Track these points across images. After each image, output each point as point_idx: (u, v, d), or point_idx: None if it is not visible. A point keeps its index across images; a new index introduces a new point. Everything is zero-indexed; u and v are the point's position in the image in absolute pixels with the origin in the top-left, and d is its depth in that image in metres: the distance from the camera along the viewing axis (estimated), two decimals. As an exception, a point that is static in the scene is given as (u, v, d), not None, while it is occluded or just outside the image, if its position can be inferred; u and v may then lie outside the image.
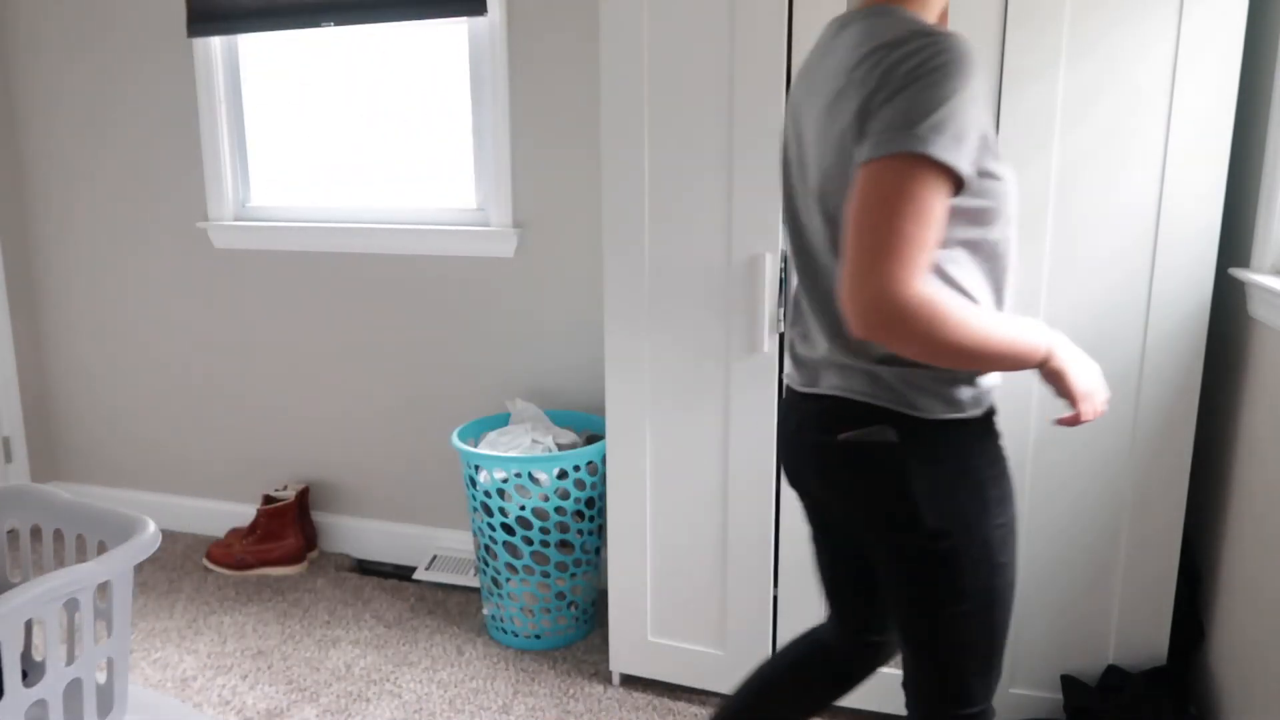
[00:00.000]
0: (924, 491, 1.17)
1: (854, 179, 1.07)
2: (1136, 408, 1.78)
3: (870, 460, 1.20)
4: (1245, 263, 1.74)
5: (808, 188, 1.23)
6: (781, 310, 1.92)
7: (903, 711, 2.03)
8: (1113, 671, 1.85)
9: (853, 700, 2.04)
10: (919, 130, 1.02)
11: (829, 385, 1.23)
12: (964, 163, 1.04)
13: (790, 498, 1.99)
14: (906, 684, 1.34)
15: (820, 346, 1.25)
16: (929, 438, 1.18)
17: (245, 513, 3.04)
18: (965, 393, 1.18)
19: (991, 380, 1.21)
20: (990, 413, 1.22)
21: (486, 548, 2.35)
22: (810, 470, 1.30)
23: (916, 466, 1.17)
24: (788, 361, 1.35)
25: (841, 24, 1.21)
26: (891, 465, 1.18)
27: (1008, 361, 1.11)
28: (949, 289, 1.13)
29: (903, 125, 1.03)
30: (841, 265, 1.07)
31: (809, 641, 1.53)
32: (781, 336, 1.93)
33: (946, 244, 1.13)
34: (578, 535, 2.33)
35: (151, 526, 1.31)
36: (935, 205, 1.03)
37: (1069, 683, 1.87)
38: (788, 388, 1.36)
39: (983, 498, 1.20)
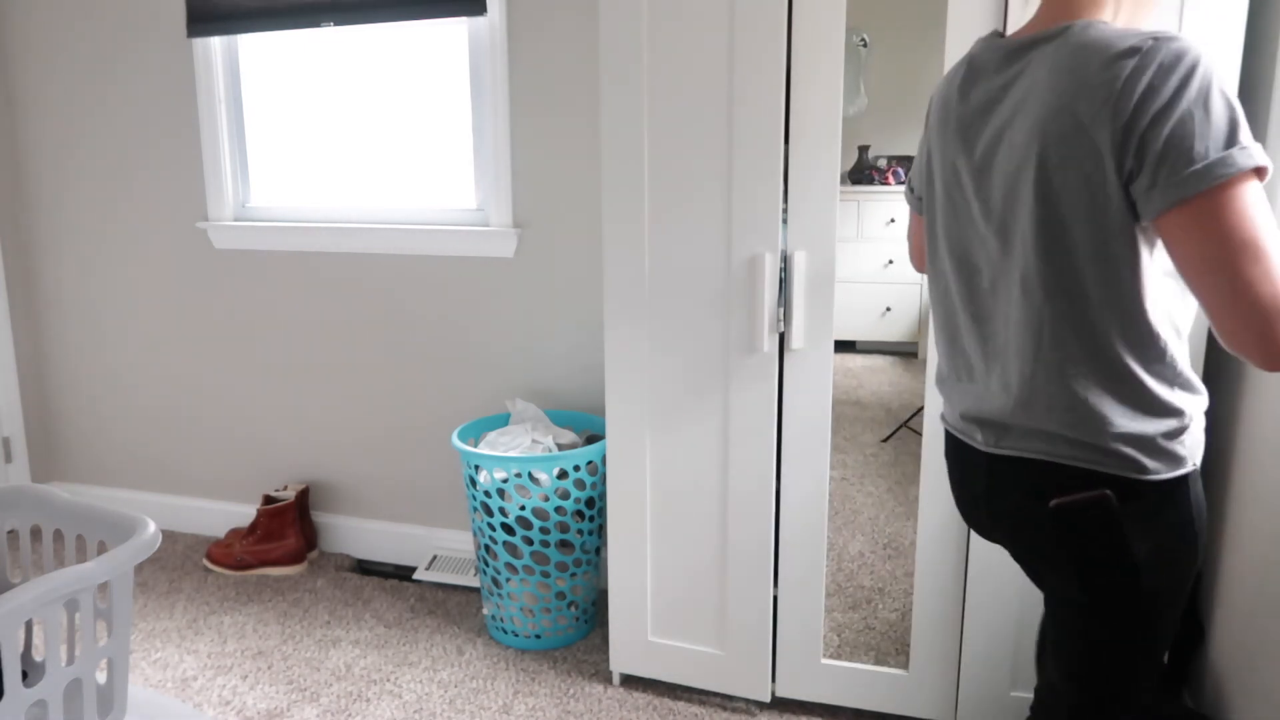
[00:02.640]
0: (1145, 551, 1.12)
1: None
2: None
3: (1087, 524, 1.13)
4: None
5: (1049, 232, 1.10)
6: (781, 310, 1.92)
7: (899, 711, 2.04)
8: None
9: (852, 700, 2.04)
10: None
11: (1032, 449, 1.16)
12: None
13: (790, 496, 1.99)
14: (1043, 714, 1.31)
15: (1016, 404, 1.17)
16: (1152, 498, 1.11)
17: (245, 513, 3.04)
18: (1188, 443, 1.11)
19: (1202, 424, 1.15)
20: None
21: (486, 548, 2.35)
22: (1006, 533, 1.24)
23: (1138, 527, 1.11)
24: (959, 410, 1.28)
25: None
26: (1112, 528, 1.12)
27: None
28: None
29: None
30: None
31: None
32: (781, 337, 1.93)
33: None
34: (578, 535, 2.33)
35: (151, 526, 1.31)
36: None
37: None
38: (958, 442, 1.29)
39: (1195, 549, 1.15)
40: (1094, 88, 1.02)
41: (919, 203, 1.42)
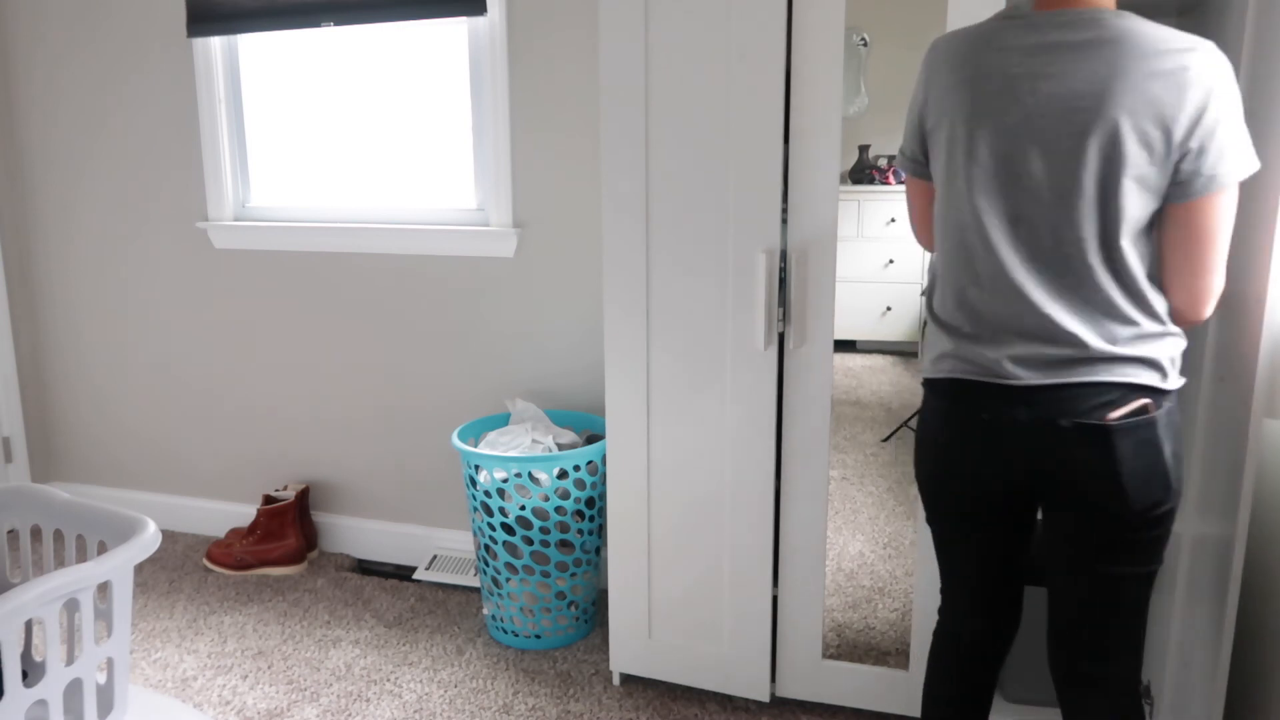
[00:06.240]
0: (1171, 455, 1.29)
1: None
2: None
3: (1135, 436, 1.27)
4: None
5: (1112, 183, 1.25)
6: (781, 310, 1.92)
7: (899, 711, 2.04)
8: None
9: (852, 700, 2.04)
10: None
11: (1080, 373, 1.28)
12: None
13: (790, 496, 1.99)
14: (1076, 642, 1.39)
15: (1064, 338, 1.28)
16: (1171, 406, 1.30)
17: (245, 513, 3.04)
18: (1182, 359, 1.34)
19: None
20: None
21: (486, 548, 2.35)
22: (1044, 458, 1.31)
23: (1167, 434, 1.29)
24: (977, 360, 1.34)
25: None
26: (1153, 437, 1.27)
27: None
28: None
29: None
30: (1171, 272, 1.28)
31: (951, 649, 1.56)
32: (781, 337, 1.93)
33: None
34: (578, 535, 2.33)
35: (151, 526, 1.31)
36: None
37: None
38: (984, 386, 1.34)
39: (1183, 461, 1.37)
40: (1165, 75, 1.19)
41: (917, 166, 1.46)
